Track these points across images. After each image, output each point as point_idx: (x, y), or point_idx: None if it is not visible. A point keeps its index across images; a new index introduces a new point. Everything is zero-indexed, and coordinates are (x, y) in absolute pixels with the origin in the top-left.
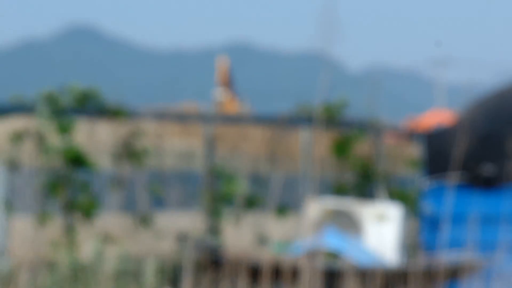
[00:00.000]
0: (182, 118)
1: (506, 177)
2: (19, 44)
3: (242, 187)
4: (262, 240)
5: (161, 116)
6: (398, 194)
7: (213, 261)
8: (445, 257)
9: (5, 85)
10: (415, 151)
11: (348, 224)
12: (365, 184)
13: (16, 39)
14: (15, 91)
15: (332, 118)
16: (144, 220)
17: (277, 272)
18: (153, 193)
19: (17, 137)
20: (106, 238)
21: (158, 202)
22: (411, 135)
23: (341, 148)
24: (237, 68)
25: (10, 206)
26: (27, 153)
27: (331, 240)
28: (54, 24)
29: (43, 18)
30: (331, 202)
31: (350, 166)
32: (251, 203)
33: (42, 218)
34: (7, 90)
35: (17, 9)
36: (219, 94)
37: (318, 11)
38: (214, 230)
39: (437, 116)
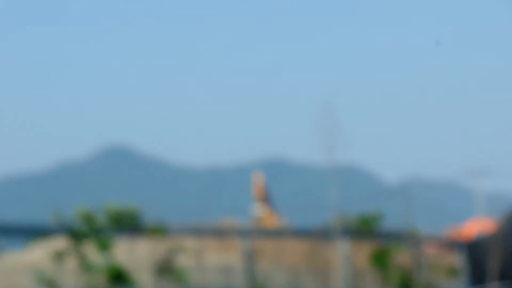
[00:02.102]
0: (220, 234)
1: None
2: (57, 166)
3: None
4: None
5: (200, 232)
6: None
7: None
8: None
9: (45, 205)
10: (456, 260)
11: None
12: None
13: (54, 161)
14: (55, 211)
15: (369, 229)
16: None
17: None
18: None
19: (58, 257)
20: None
21: None
22: (452, 245)
23: (380, 259)
24: (272, 183)
25: None
26: (69, 272)
27: None
28: (90, 145)
29: (79, 140)
30: None
31: (391, 277)
32: None
33: None
34: (47, 211)
35: (53, 132)
36: (257, 209)
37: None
38: None
39: (477, 225)
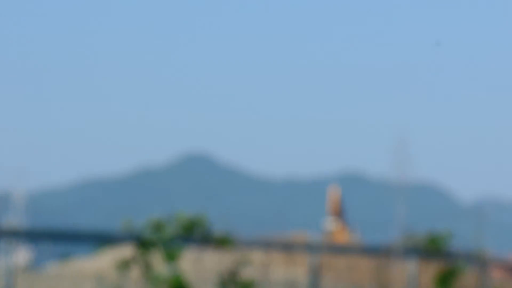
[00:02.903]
0: (287, 248)
1: None
2: (135, 173)
3: None
4: None
5: (267, 246)
6: None
7: None
8: None
9: (122, 212)
10: None
11: None
12: None
13: (132, 168)
14: (125, 219)
15: (437, 249)
16: None
17: None
18: None
19: (124, 265)
20: None
21: None
22: None
23: (445, 280)
24: (348, 198)
25: None
26: (133, 281)
27: None
28: (169, 152)
29: (158, 146)
30: None
31: None
32: None
33: None
34: (119, 217)
35: (132, 138)
36: (330, 223)
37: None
38: None
39: None
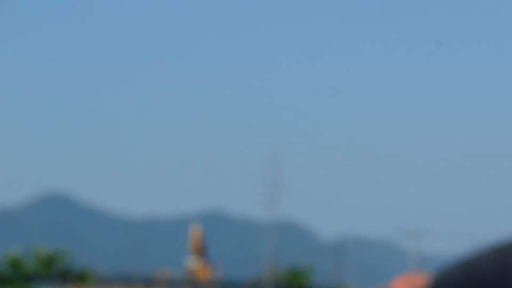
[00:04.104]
0: (149, 282)
1: None
2: None
3: None
4: None
5: (129, 280)
6: None
7: None
8: None
9: None
10: None
11: None
12: None
13: None
14: None
15: (299, 284)
16: None
17: None
18: None
19: None
20: None
21: None
22: None
23: None
24: (210, 236)
25: None
26: None
27: None
28: (25, 192)
29: (13, 185)
30: None
31: None
32: None
33: None
34: None
35: None
36: (191, 261)
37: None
38: None
39: (406, 282)
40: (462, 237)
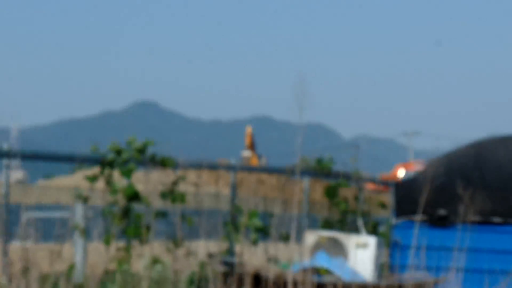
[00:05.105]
0: (213, 167)
1: (455, 218)
2: (99, 114)
3: (257, 221)
4: (271, 260)
5: (199, 166)
6: (374, 229)
7: (232, 273)
8: (409, 276)
9: (88, 143)
10: (389, 196)
11: (336, 250)
12: (349, 220)
13: (98, 111)
14: (93, 146)
15: (324, 171)
16: (180, 244)
17: (280, 284)
18: (189, 224)
19: (92, 179)
20: (153, 256)
21: (194, 231)
22: (385, 184)
23: (331, 193)
24: (259, 134)
25: (86, 233)
26: (99, 192)
27: (323, 261)
28: (126, 99)
29: (118, 93)
30: (324, 233)
31: (338, 207)
32: (264, 233)
33: (107, 240)
34: (88, 147)
35: (98, 87)
36: (246, 153)
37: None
38: (234, 253)
39: (406, 168)
40: (449, 137)
